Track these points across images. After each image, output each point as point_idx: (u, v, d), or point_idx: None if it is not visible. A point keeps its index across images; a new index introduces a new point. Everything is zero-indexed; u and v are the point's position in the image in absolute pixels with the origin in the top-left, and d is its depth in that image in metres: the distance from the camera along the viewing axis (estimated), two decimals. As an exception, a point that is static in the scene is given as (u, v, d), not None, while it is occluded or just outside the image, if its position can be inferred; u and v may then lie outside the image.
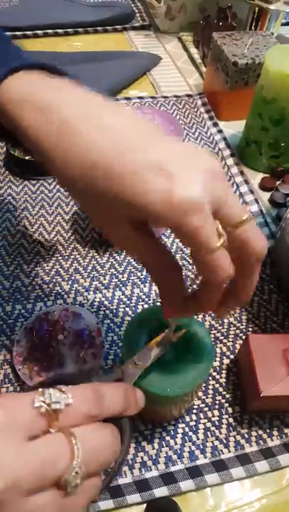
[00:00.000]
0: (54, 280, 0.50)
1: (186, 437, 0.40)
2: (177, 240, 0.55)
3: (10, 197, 0.58)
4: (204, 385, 0.43)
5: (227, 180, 0.23)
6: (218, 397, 0.42)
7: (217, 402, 0.42)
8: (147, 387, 0.33)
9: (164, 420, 0.40)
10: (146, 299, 0.49)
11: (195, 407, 0.42)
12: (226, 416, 0.41)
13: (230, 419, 0.41)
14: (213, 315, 0.48)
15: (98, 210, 0.28)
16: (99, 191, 0.25)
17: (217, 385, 0.43)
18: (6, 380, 0.42)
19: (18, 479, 0.20)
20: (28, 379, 0.40)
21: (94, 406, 0.25)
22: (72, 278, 0.50)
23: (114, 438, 0.26)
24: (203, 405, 0.42)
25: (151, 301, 0.49)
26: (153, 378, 0.33)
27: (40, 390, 0.23)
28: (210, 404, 0.42)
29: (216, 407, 0.42)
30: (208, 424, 0.41)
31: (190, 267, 0.52)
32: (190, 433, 0.40)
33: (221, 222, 0.25)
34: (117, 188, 0.24)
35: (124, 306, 0.48)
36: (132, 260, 0.52)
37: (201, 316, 0.48)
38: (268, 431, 0.41)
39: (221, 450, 0.39)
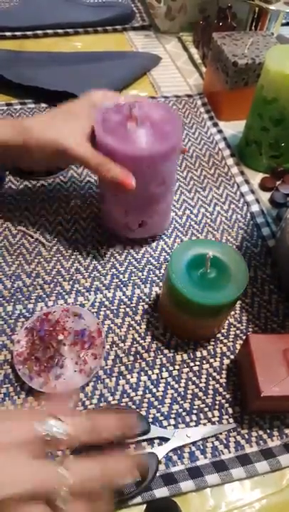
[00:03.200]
0: (55, 280, 0.50)
1: (186, 437, 0.40)
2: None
3: (10, 197, 0.58)
4: (204, 384, 0.43)
5: None
6: (219, 398, 0.42)
7: (217, 402, 0.42)
8: (198, 300, 0.39)
9: (205, 336, 0.46)
10: (147, 300, 0.49)
11: (195, 407, 0.42)
12: (226, 416, 0.41)
13: (231, 420, 0.41)
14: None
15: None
16: None
17: (217, 386, 0.43)
18: (6, 380, 0.42)
19: (14, 495, 0.24)
20: (27, 379, 0.40)
21: (89, 434, 0.28)
22: (74, 278, 0.50)
23: (103, 469, 0.28)
24: (204, 405, 0.42)
25: (152, 301, 0.49)
26: (200, 293, 0.40)
27: (38, 419, 0.27)
28: (210, 404, 0.42)
29: (216, 407, 0.42)
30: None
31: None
32: (190, 433, 0.40)
33: None
34: None
35: (124, 306, 0.48)
36: (133, 260, 0.52)
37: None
38: (268, 431, 0.41)
39: (221, 450, 0.39)
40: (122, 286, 0.50)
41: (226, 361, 0.45)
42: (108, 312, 0.48)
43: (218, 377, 0.44)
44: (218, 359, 0.45)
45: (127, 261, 0.52)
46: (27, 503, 0.24)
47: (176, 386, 0.43)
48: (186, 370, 0.44)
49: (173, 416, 0.41)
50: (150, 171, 0.44)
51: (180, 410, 0.41)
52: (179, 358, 0.45)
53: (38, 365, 0.41)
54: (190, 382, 0.43)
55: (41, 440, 0.26)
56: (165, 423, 0.40)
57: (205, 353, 0.45)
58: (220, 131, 0.70)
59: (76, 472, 0.26)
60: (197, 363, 0.45)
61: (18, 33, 0.85)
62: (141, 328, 0.47)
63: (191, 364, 0.44)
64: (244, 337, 0.47)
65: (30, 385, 0.40)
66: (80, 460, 0.27)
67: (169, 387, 0.43)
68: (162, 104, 0.48)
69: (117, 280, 0.50)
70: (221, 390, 0.43)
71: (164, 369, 0.44)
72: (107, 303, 0.48)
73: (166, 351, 0.45)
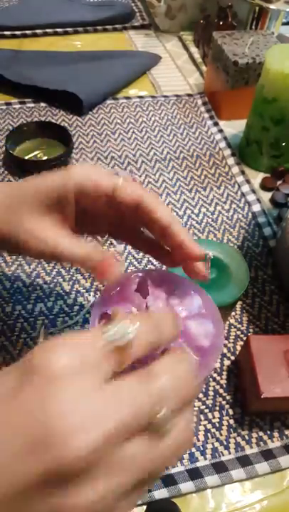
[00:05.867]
0: (55, 280, 0.50)
1: (186, 439, 0.40)
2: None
3: (10, 197, 0.58)
4: (205, 385, 0.43)
5: None
6: (219, 399, 0.42)
7: (217, 403, 0.42)
8: None
9: None
10: (147, 300, 0.49)
11: (195, 408, 0.41)
12: (227, 417, 0.41)
13: (231, 421, 0.41)
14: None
15: None
16: None
17: (218, 387, 0.43)
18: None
19: (108, 433, 0.18)
20: None
21: (155, 334, 0.23)
22: (74, 278, 0.50)
23: (193, 369, 0.23)
24: (204, 407, 0.42)
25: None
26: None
27: (102, 325, 0.21)
28: (210, 405, 0.42)
29: (217, 408, 0.42)
30: (209, 426, 0.41)
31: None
32: (190, 434, 0.40)
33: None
34: None
35: (124, 306, 0.48)
36: (133, 261, 0.52)
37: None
38: (268, 432, 0.41)
39: (222, 452, 0.39)
40: (122, 286, 0.50)
41: (227, 362, 0.45)
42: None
43: (218, 378, 0.44)
44: (218, 360, 0.45)
45: (127, 261, 0.52)
46: (119, 443, 0.19)
47: (176, 387, 0.43)
48: (186, 370, 0.44)
49: (173, 417, 0.41)
50: None
51: (180, 411, 0.41)
52: (179, 358, 0.45)
53: None
54: (190, 383, 0.43)
55: (109, 354, 0.20)
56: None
57: (205, 353, 0.45)
58: (220, 131, 0.70)
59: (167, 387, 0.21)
60: (197, 363, 0.44)
61: (17, 32, 0.85)
62: (141, 328, 0.46)
63: (192, 365, 0.44)
64: (245, 338, 0.46)
65: None
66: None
67: (169, 388, 0.43)
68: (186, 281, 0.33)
69: (117, 280, 0.50)
70: (221, 391, 0.43)
71: (164, 370, 0.44)
72: (107, 303, 0.48)
73: (166, 352, 0.45)
